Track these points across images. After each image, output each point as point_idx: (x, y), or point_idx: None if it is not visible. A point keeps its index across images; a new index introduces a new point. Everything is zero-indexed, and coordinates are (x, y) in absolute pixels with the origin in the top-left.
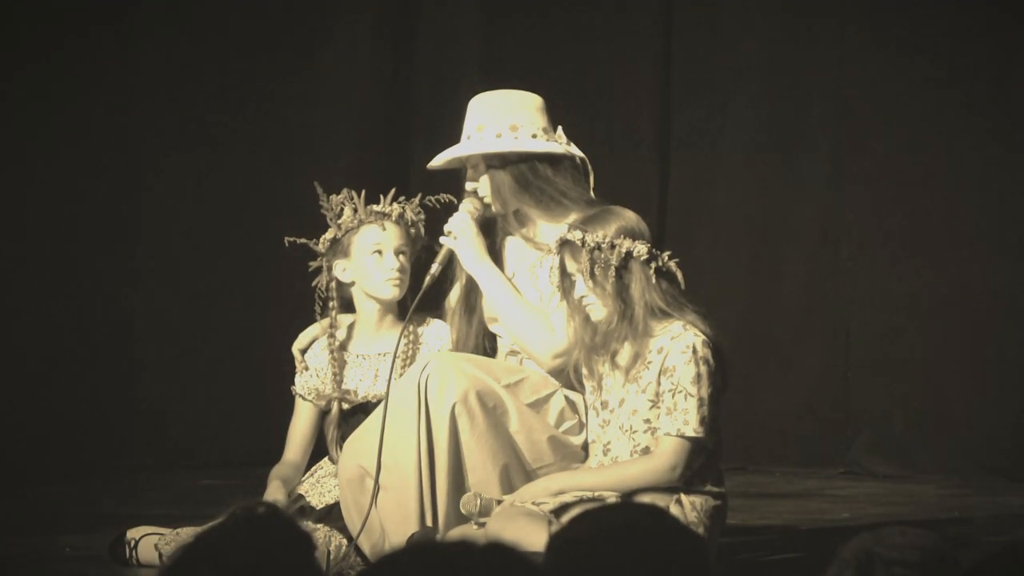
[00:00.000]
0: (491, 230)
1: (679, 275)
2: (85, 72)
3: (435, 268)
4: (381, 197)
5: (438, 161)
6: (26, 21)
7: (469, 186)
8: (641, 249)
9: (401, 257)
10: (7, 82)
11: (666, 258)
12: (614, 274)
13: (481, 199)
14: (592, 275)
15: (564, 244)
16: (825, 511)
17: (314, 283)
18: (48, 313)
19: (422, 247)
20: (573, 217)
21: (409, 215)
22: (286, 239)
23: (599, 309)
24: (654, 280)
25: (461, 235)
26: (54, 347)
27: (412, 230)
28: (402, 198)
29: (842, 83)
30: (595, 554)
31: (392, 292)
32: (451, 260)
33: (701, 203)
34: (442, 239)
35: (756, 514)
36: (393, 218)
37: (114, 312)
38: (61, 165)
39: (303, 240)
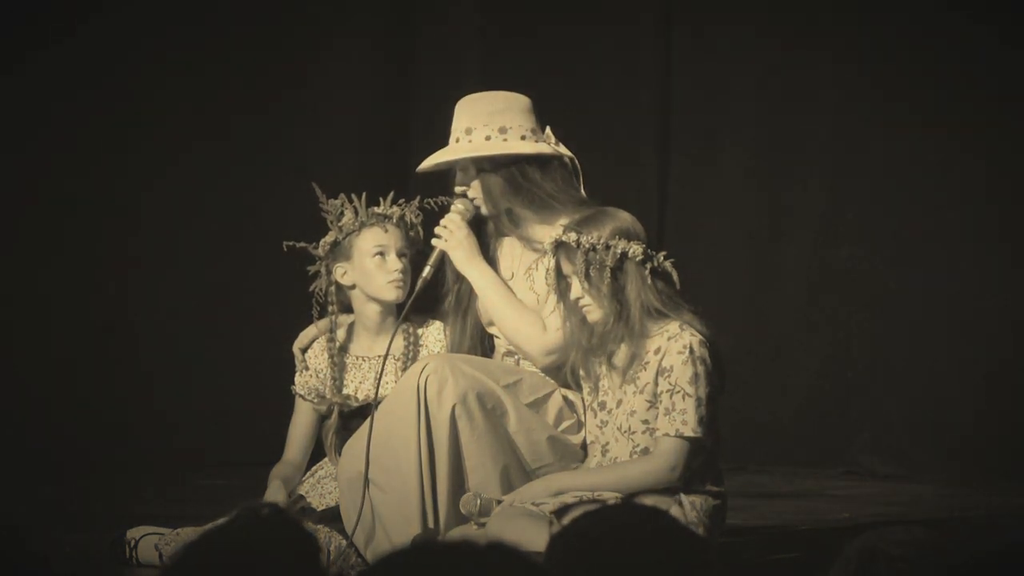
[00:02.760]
0: (483, 231)
1: (675, 275)
2: (87, 76)
3: (427, 271)
4: (381, 200)
5: (428, 164)
6: (29, 22)
7: (459, 188)
8: (636, 250)
9: (403, 259)
10: (9, 84)
11: (661, 258)
12: (609, 275)
13: (471, 200)
14: (587, 276)
15: (559, 246)
16: (825, 511)
17: (312, 287)
18: (49, 313)
19: (419, 250)
20: (565, 218)
21: (409, 217)
22: (284, 244)
23: (595, 310)
24: (649, 280)
25: (452, 236)
26: (54, 347)
27: (412, 232)
28: (402, 200)
29: (842, 83)
30: (597, 555)
31: (395, 294)
32: (444, 262)
33: (701, 203)
34: (433, 240)
35: (756, 514)
36: (394, 220)
37: (115, 312)
38: (63, 168)
39: (302, 244)
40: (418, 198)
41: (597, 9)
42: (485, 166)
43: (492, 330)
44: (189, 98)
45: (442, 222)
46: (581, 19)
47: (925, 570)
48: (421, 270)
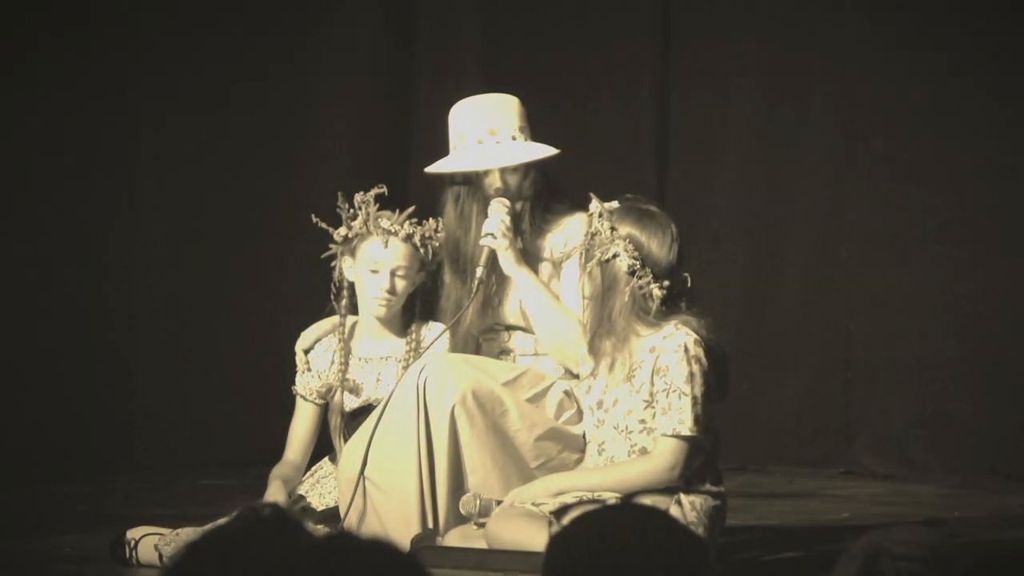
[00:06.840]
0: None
1: (655, 304)
2: (83, 66)
3: (480, 271)
4: (398, 211)
5: (500, 163)
6: (25, 13)
7: (497, 188)
8: (626, 260)
9: (396, 279)
10: (7, 75)
11: (649, 282)
12: (598, 266)
13: (506, 201)
14: (585, 254)
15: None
16: (825, 511)
17: (332, 263)
18: (48, 312)
19: (437, 266)
20: (564, 221)
21: (418, 238)
22: (314, 217)
23: (586, 286)
24: (635, 293)
25: (502, 237)
26: (54, 346)
27: (422, 251)
28: (414, 220)
29: (842, 82)
30: (596, 555)
31: (376, 312)
32: (438, 267)
33: (700, 203)
34: (483, 241)
35: (756, 514)
36: (400, 237)
37: (114, 311)
38: (61, 163)
39: (324, 226)
40: (438, 221)
41: (597, 5)
42: (529, 168)
43: (488, 334)
44: (188, 93)
45: (491, 223)
46: (581, 15)
47: (928, 570)
48: (429, 278)
